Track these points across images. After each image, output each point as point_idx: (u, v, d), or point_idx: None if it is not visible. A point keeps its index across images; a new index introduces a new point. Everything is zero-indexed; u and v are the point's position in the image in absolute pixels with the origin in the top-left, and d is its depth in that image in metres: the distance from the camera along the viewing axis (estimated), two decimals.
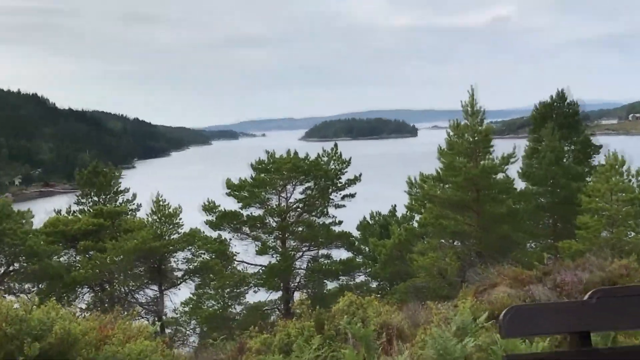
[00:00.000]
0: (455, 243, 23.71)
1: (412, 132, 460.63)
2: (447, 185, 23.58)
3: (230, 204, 32.21)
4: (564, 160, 32.49)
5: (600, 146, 35.61)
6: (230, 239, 32.29)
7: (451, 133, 23.46)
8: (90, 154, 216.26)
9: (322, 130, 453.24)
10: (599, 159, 31.05)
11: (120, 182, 31.71)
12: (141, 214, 29.87)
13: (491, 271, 13.50)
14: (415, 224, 30.42)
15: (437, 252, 22.02)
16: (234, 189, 31.92)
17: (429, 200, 22.36)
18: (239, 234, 32.38)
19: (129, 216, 29.38)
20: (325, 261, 32.75)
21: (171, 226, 27.35)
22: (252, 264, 32.41)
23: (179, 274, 29.01)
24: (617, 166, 22.34)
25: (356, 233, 37.51)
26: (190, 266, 28.67)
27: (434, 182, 23.23)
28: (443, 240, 23.16)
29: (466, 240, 23.17)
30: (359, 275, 33.02)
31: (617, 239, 21.08)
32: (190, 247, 28.33)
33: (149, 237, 25.53)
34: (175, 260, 28.61)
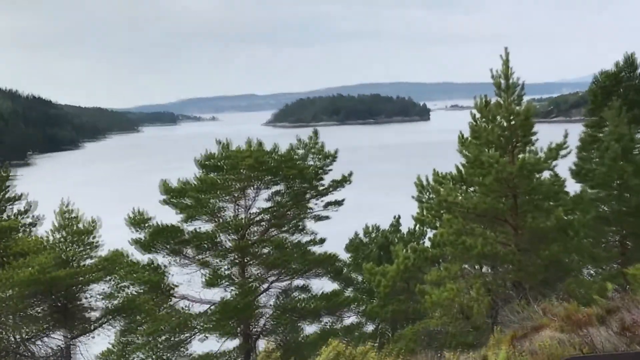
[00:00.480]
0: (483, 270, 23.79)
1: (423, 113, 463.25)
2: (471, 189, 23.61)
3: (167, 216, 32.18)
4: (636, 153, 32.67)
5: None
6: (168, 266, 32.36)
7: (477, 115, 23.47)
8: None
9: (296, 111, 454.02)
10: None
11: (10, 187, 31.41)
12: (40, 231, 29.38)
13: (534, 309, 13.57)
14: (428, 243, 30.25)
15: (459, 282, 22.04)
16: (172, 194, 31.99)
17: (447, 209, 22.30)
18: (180, 259, 32.46)
19: (21, 234, 28.69)
20: (302, 296, 33.02)
21: (82, 248, 27.14)
22: (197, 301, 32.41)
23: (95, 315, 28.48)
24: None
25: (345, 256, 38.14)
26: (110, 304, 28.36)
27: (454, 185, 23.31)
28: (467, 266, 23.24)
29: (499, 266, 23.22)
30: (349, 315, 33.32)
31: None
32: (110, 278, 28.14)
33: (51, 263, 25.11)
34: (89, 296, 28.19)
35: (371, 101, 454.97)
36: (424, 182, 24.73)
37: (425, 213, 25.14)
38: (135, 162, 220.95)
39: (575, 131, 32.10)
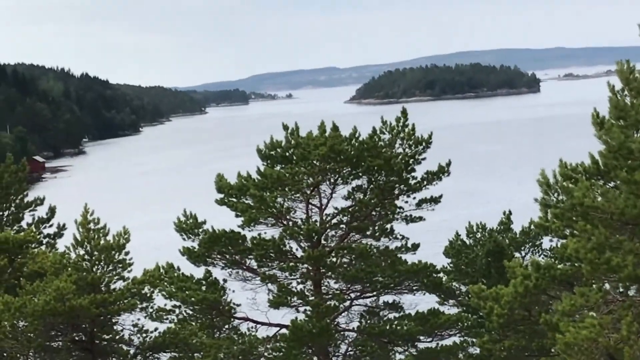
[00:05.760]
0: (632, 294, 21.26)
1: (531, 85, 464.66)
2: (611, 185, 20.99)
3: (224, 219, 31.61)
4: None
5: None
6: (226, 281, 31.94)
7: (617, 87, 20.86)
8: (10, 134, 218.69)
9: (384, 85, 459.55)
10: None
11: (29, 187, 31.12)
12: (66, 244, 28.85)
13: None
14: (546, 244, 29.63)
15: (602, 313, 19.62)
16: (229, 192, 31.31)
17: (583, 216, 19.77)
18: (240, 272, 32.12)
19: (40, 248, 28.71)
20: (392, 315, 32.31)
21: (111, 267, 26.20)
22: (263, 323, 32.17)
23: (130, 351, 27.75)
24: None
25: (442, 260, 36.80)
26: (148, 338, 27.42)
27: (591, 181, 20.70)
28: (612, 292, 20.76)
29: None
30: (449, 334, 32.54)
31: None
32: (146, 304, 27.05)
33: (71, 288, 24.15)
34: (121, 328, 27.38)
35: (471, 72, 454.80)
36: (551, 178, 22.09)
37: (550, 218, 22.64)
38: (197, 149, 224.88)
39: None
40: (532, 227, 33.66)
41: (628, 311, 19.26)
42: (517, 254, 35.08)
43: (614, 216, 19.19)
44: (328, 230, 31.40)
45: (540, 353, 25.56)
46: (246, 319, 32.07)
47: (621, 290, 21.18)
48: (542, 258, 34.45)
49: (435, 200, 31.81)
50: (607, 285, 21.36)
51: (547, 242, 35.66)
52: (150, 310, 27.98)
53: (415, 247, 32.00)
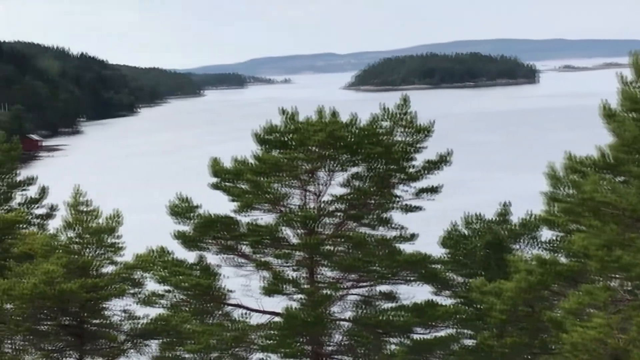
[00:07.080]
0: None
1: (530, 75, 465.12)
2: (620, 179, 20.41)
3: (219, 204, 31.26)
4: None
5: None
6: (219, 266, 31.50)
7: (629, 78, 20.25)
8: (7, 112, 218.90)
9: (382, 72, 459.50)
10: None
11: (20, 167, 30.76)
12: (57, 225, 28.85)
13: None
14: (554, 253, 28.31)
15: (609, 314, 19.03)
16: (224, 176, 30.88)
17: (593, 211, 19.16)
18: (234, 258, 31.63)
19: (31, 229, 28.51)
20: (387, 306, 31.79)
21: (102, 250, 25.92)
22: (256, 310, 31.53)
23: (121, 336, 27.58)
24: None
25: (439, 252, 35.59)
26: (139, 324, 27.20)
27: (601, 175, 20.12)
28: (620, 291, 20.23)
29: None
30: (444, 326, 31.76)
31: None
32: (136, 290, 26.88)
33: (60, 272, 23.85)
34: (111, 313, 27.19)
35: (470, 61, 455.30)
36: (559, 172, 21.45)
37: (556, 213, 22.04)
38: (194, 131, 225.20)
39: None
40: (534, 219, 33.39)
41: (638, 311, 18.71)
42: (515, 246, 34.85)
43: (626, 212, 18.65)
44: (324, 217, 30.95)
45: (542, 350, 24.97)
46: (239, 306, 31.49)
47: (629, 289, 20.67)
48: (541, 251, 34.24)
49: (434, 190, 31.29)
50: (614, 284, 20.89)
51: (544, 234, 35.52)
52: (141, 295, 27.66)
53: (413, 237, 31.50)
